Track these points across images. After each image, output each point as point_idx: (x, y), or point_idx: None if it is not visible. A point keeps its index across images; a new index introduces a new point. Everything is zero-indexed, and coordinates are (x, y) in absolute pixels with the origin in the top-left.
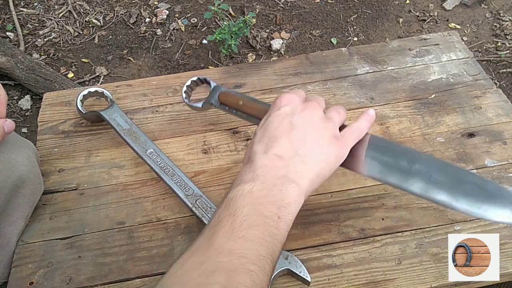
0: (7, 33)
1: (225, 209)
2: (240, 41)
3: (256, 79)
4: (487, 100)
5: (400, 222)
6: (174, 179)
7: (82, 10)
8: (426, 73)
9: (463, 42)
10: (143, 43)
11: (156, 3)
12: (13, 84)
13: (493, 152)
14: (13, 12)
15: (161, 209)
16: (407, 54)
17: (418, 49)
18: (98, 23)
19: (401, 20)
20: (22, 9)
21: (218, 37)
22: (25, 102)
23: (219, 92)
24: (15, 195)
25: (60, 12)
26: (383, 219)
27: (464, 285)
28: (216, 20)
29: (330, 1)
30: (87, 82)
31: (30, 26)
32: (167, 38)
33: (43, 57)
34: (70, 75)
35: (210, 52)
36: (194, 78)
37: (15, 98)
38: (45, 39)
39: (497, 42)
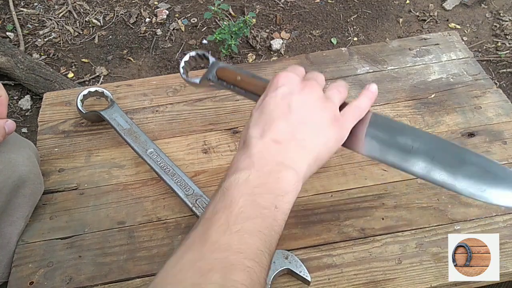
0: (7, 33)
1: (220, 200)
2: (240, 41)
3: None
4: (487, 100)
5: (400, 222)
6: (174, 178)
7: (82, 10)
8: (426, 73)
9: (463, 42)
10: (143, 43)
11: (156, 3)
12: (13, 84)
13: (493, 151)
14: (13, 12)
15: (161, 209)
16: (407, 54)
17: (418, 49)
18: (98, 23)
19: (401, 20)
20: (22, 9)
21: (218, 37)
22: (25, 102)
23: (217, 68)
24: (15, 195)
25: (60, 12)
26: (383, 219)
27: (464, 285)
28: (216, 20)
29: (330, 1)
30: (87, 82)
31: (30, 26)
32: (167, 38)
33: (43, 57)
34: (70, 75)
35: (210, 52)
36: (193, 53)
37: (15, 98)
38: (45, 39)
39: (497, 42)
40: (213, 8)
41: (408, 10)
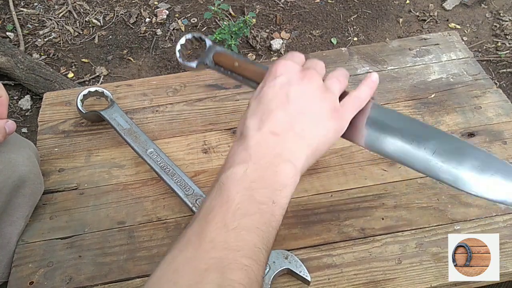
0: (7, 33)
1: (217, 196)
2: (240, 41)
3: None
4: (487, 100)
5: (400, 222)
6: (174, 178)
7: (82, 10)
8: (426, 73)
9: (463, 42)
10: (143, 43)
11: (156, 3)
12: (13, 84)
13: (493, 151)
14: (13, 12)
15: (161, 209)
16: (407, 54)
17: (418, 49)
18: (98, 23)
19: (401, 20)
20: (22, 9)
21: (218, 37)
22: (25, 102)
23: (214, 52)
24: (15, 195)
25: (60, 12)
26: (383, 219)
27: (464, 285)
28: (216, 20)
29: (330, 1)
30: (87, 82)
31: (30, 26)
32: (167, 38)
33: (43, 57)
34: (70, 75)
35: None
36: (189, 36)
37: (15, 98)
38: (45, 39)
39: (497, 42)
40: (213, 8)
41: (408, 10)
